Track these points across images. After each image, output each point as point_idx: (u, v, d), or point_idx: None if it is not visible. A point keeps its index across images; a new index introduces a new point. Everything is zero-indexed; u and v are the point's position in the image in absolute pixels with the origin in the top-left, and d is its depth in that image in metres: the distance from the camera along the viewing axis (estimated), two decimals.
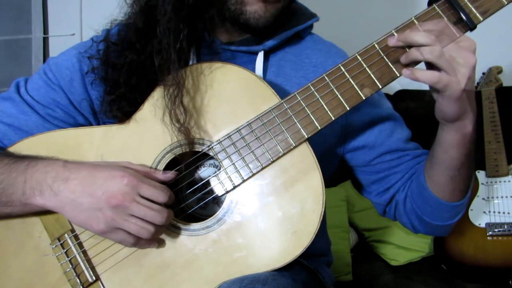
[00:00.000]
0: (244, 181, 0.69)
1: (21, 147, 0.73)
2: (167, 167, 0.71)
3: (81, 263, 0.70)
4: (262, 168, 0.68)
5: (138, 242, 0.66)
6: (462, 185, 0.76)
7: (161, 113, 0.70)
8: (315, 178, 0.68)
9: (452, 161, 0.73)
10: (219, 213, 0.69)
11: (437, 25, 0.64)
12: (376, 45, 0.68)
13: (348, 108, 0.68)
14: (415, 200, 0.81)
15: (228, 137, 0.69)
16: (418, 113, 1.56)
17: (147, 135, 0.71)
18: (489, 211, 1.41)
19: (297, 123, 0.68)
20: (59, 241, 0.71)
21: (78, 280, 0.70)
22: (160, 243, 0.70)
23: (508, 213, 1.39)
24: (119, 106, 0.74)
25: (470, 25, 0.67)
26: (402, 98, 1.65)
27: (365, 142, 0.83)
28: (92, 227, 0.65)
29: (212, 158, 0.72)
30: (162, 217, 0.64)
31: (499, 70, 1.62)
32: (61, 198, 0.65)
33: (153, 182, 0.65)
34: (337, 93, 0.68)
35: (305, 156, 0.68)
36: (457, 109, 0.66)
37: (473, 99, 0.68)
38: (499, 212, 1.40)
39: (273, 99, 0.69)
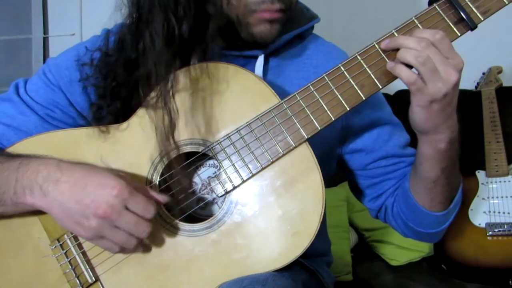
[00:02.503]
0: (244, 181, 0.69)
1: (20, 147, 0.73)
2: (167, 167, 0.71)
3: (81, 264, 0.70)
4: (262, 169, 0.68)
5: (124, 250, 0.66)
6: (440, 197, 0.75)
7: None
8: (315, 178, 0.67)
9: (427, 173, 0.73)
10: (219, 213, 0.69)
11: (432, 36, 0.63)
12: (376, 45, 0.68)
13: (348, 108, 0.68)
14: (400, 206, 0.82)
15: (227, 138, 0.69)
16: None
17: (147, 135, 0.71)
18: (489, 211, 1.41)
19: (297, 123, 0.68)
20: (59, 242, 0.70)
21: (77, 281, 0.70)
22: (160, 244, 0.69)
23: (508, 213, 1.39)
24: (100, 118, 0.73)
25: (470, 25, 0.66)
26: (402, 98, 1.65)
27: (363, 146, 0.84)
28: (78, 233, 0.65)
29: (211, 158, 0.72)
30: (146, 233, 0.64)
31: (499, 70, 1.62)
32: (49, 199, 0.64)
33: (142, 198, 0.64)
34: (337, 93, 0.68)
35: (305, 156, 0.68)
36: (425, 119, 0.66)
37: (453, 118, 0.68)
38: (499, 212, 1.40)
39: (273, 100, 0.69)
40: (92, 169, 0.66)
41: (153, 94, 0.70)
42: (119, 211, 0.62)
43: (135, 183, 0.66)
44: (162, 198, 0.68)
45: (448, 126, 0.68)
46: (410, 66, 0.65)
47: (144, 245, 0.69)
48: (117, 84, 0.73)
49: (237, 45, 0.79)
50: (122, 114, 0.73)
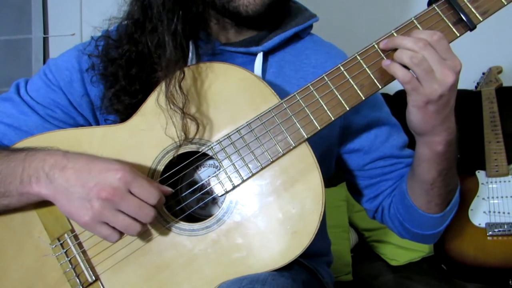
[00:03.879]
0: (243, 181, 0.69)
1: (21, 147, 0.73)
2: (167, 167, 0.71)
3: (81, 263, 0.70)
4: (262, 168, 0.68)
5: (123, 240, 0.66)
6: (437, 199, 0.75)
7: (161, 110, 0.70)
8: (315, 178, 0.68)
9: (424, 175, 0.73)
10: (219, 213, 0.69)
11: (430, 37, 0.63)
12: (375, 45, 0.68)
13: (347, 108, 0.68)
14: (397, 207, 0.82)
15: (227, 137, 0.69)
16: None
17: (147, 135, 0.71)
18: (489, 211, 1.41)
19: (297, 123, 0.68)
20: (59, 241, 0.71)
21: (77, 280, 0.70)
22: (160, 243, 0.70)
23: (508, 213, 1.39)
24: (119, 100, 0.74)
25: (470, 26, 0.67)
26: (402, 98, 1.64)
27: (360, 146, 0.84)
28: (78, 218, 0.64)
29: (211, 158, 0.72)
30: (150, 217, 0.64)
31: (499, 70, 1.63)
32: (55, 185, 0.64)
33: (147, 182, 0.64)
34: (336, 93, 0.68)
35: (305, 156, 0.68)
36: (421, 120, 0.66)
37: (450, 120, 0.67)
38: (499, 212, 1.40)
39: (273, 99, 0.69)
40: (97, 157, 0.68)
41: (158, 89, 0.71)
42: (122, 193, 0.62)
43: (139, 171, 0.67)
44: (167, 189, 0.68)
45: (445, 128, 0.67)
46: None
47: (143, 243, 0.69)
48: (125, 61, 0.74)
49: (236, 42, 0.79)
50: (137, 93, 0.73)
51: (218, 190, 0.70)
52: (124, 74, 0.74)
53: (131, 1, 0.76)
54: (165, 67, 0.70)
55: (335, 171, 0.90)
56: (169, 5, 0.71)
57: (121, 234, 0.65)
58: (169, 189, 0.68)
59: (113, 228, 0.64)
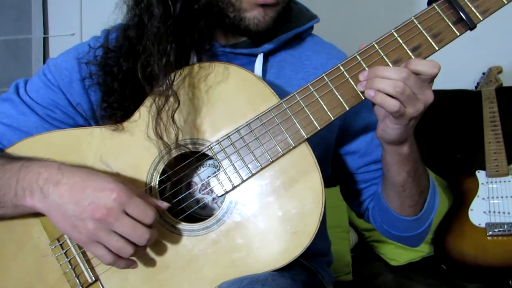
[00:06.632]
0: (243, 181, 0.69)
1: (20, 147, 0.73)
2: (167, 167, 0.71)
3: (81, 264, 0.70)
4: (262, 169, 0.68)
5: (117, 261, 0.64)
6: (409, 201, 0.76)
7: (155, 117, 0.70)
8: (315, 178, 0.67)
9: (394, 178, 0.74)
10: (219, 213, 0.69)
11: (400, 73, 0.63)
12: (375, 45, 0.68)
13: (347, 108, 0.68)
14: (376, 209, 0.84)
15: (227, 137, 0.69)
16: None
17: (147, 136, 0.71)
18: (489, 211, 1.41)
19: (297, 123, 0.68)
20: (59, 241, 0.71)
21: (77, 281, 0.70)
22: (160, 244, 0.69)
23: (508, 213, 1.39)
24: (112, 114, 0.73)
25: (470, 25, 0.66)
26: None
27: (356, 148, 0.84)
28: (73, 236, 0.63)
29: (211, 158, 0.72)
30: (145, 239, 0.62)
31: (499, 70, 1.63)
32: (49, 201, 0.63)
33: (142, 202, 0.63)
34: (336, 93, 0.68)
35: (305, 156, 0.68)
36: (401, 134, 0.67)
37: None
38: (499, 212, 1.40)
39: (273, 99, 0.69)
40: (92, 173, 0.66)
41: (155, 88, 0.70)
42: (117, 214, 0.61)
43: (135, 189, 0.66)
44: (163, 204, 0.67)
45: (412, 132, 0.69)
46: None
47: (136, 262, 0.68)
48: (122, 78, 0.73)
49: (236, 44, 0.79)
50: (131, 109, 0.72)
51: (218, 190, 0.70)
52: (119, 89, 0.73)
53: (130, 17, 0.73)
54: (156, 90, 0.69)
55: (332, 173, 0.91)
56: (162, 38, 0.68)
57: (115, 256, 0.63)
58: (165, 205, 0.67)
59: (108, 249, 0.63)
